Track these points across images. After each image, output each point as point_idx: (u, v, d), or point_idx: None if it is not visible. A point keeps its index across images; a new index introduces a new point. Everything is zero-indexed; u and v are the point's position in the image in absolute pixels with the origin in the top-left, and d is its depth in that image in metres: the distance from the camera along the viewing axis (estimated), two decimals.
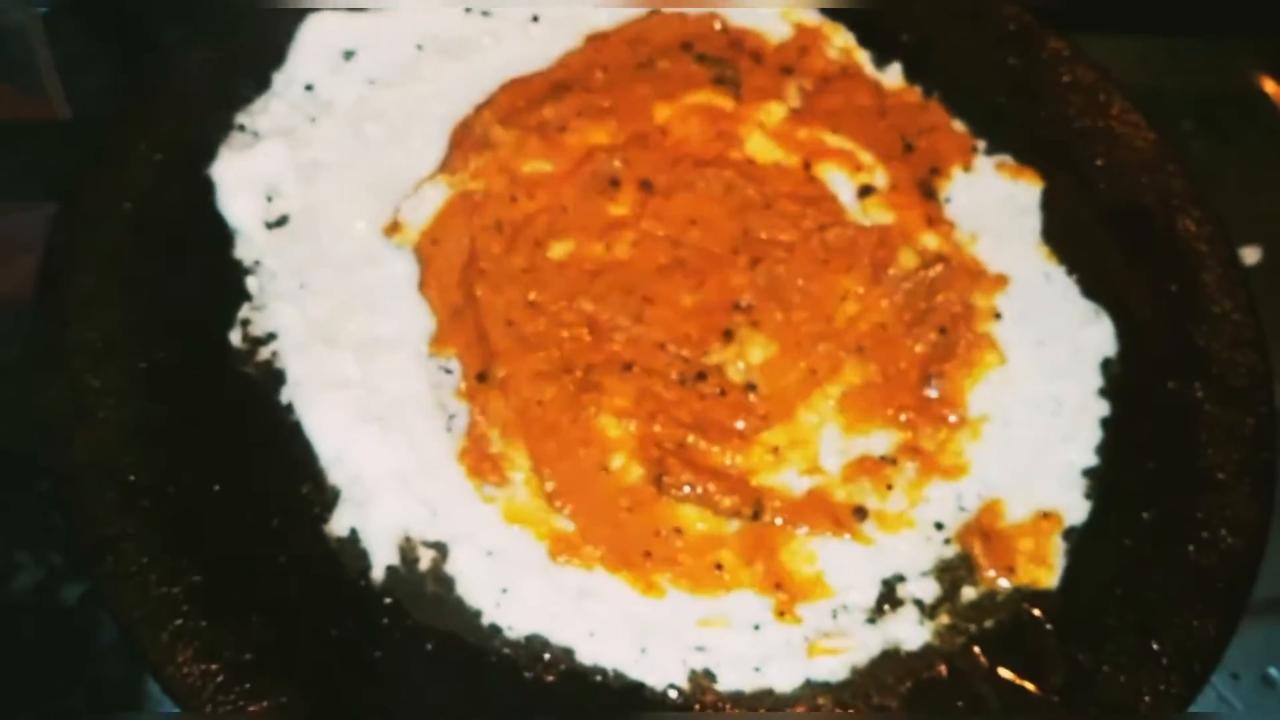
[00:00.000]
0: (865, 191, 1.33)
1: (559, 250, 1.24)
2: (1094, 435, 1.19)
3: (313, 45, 1.36)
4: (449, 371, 1.18)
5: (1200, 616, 1.08)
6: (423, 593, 1.06)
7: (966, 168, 1.37)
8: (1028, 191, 1.35)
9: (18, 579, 1.25)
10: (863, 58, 1.44)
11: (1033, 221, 1.33)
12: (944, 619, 1.09)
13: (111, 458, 1.08)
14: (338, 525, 1.08)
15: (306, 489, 1.10)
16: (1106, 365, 1.24)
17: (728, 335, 1.20)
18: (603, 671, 1.04)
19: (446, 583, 1.07)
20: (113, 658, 1.27)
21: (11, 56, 1.51)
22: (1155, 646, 1.07)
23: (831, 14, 1.45)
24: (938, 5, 1.48)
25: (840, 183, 1.33)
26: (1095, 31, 1.56)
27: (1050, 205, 1.35)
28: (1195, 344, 1.24)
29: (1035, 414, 1.20)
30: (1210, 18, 1.74)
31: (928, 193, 1.34)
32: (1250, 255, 1.49)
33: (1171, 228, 1.33)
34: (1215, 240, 1.31)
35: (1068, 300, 1.28)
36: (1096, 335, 1.25)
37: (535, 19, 1.42)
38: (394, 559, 1.07)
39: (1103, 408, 1.21)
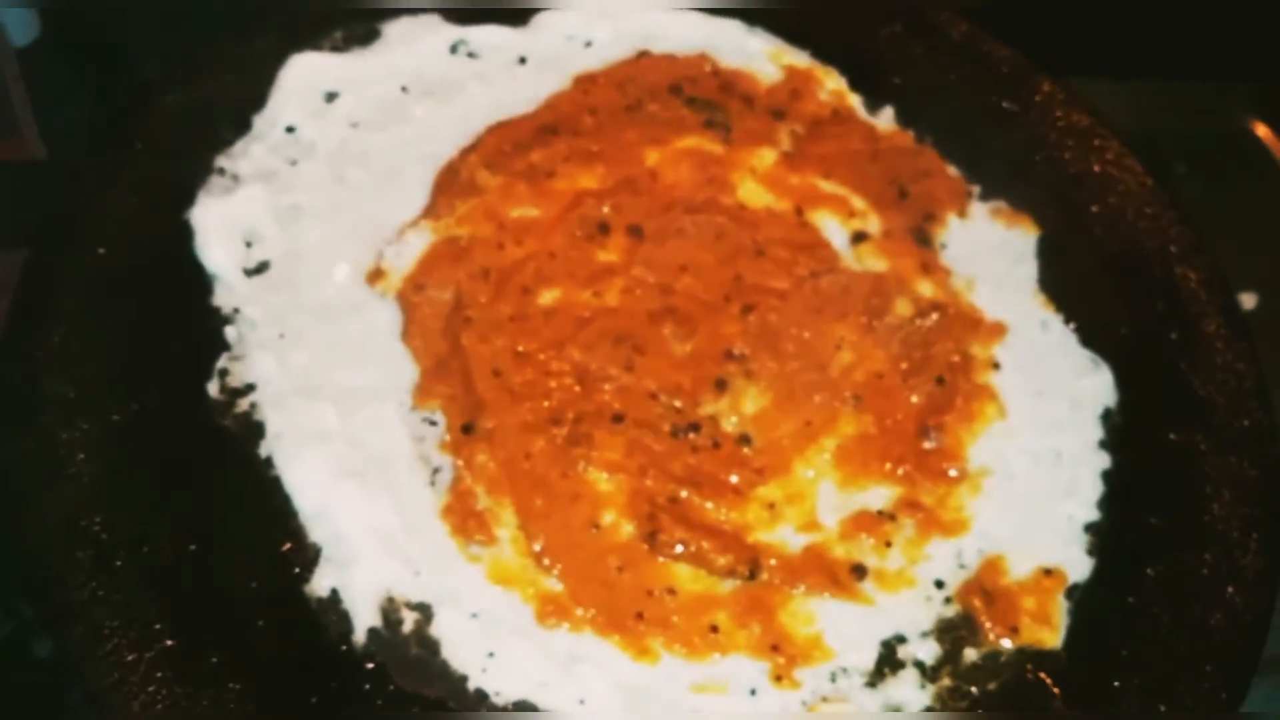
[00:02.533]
0: (859, 238, 1.30)
1: (547, 298, 1.21)
2: (1095, 489, 1.16)
3: (294, 87, 1.33)
4: (433, 424, 1.14)
5: (1209, 679, 1.05)
6: (406, 656, 1.02)
7: (961, 214, 1.35)
8: (1023, 238, 1.33)
9: None
10: (855, 101, 1.42)
11: (1029, 269, 1.31)
12: (946, 681, 1.06)
13: (82, 516, 1.04)
14: (318, 585, 1.04)
15: (286, 547, 1.06)
16: (1107, 416, 1.21)
17: (720, 385, 1.17)
18: None
19: (431, 646, 1.03)
20: (86, 716, 1.23)
21: None
22: (1163, 709, 1.04)
23: (822, 54, 1.43)
24: (930, 47, 1.46)
25: (833, 229, 1.31)
26: (1086, 75, 1.55)
27: (1046, 252, 1.33)
28: (1197, 394, 1.22)
29: (1035, 467, 1.17)
30: (1202, 62, 1.74)
31: (922, 239, 1.32)
32: (1247, 301, 1.48)
33: (1170, 275, 1.30)
34: (1214, 287, 1.29)
35: (1066, 350, 1.25)
36: (1096, 385, 1.22)
37: (523, 60, 1.40)
38: (376, 621, 1.03)
39: (1104, 460, 1.18)
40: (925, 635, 1.08)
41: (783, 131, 1.37)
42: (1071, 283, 1.30)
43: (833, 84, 1.42)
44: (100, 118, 1.40)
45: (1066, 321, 1.27)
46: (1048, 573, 1.11)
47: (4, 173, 1.40)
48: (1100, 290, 1.30)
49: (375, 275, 1.21)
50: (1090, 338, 1.26)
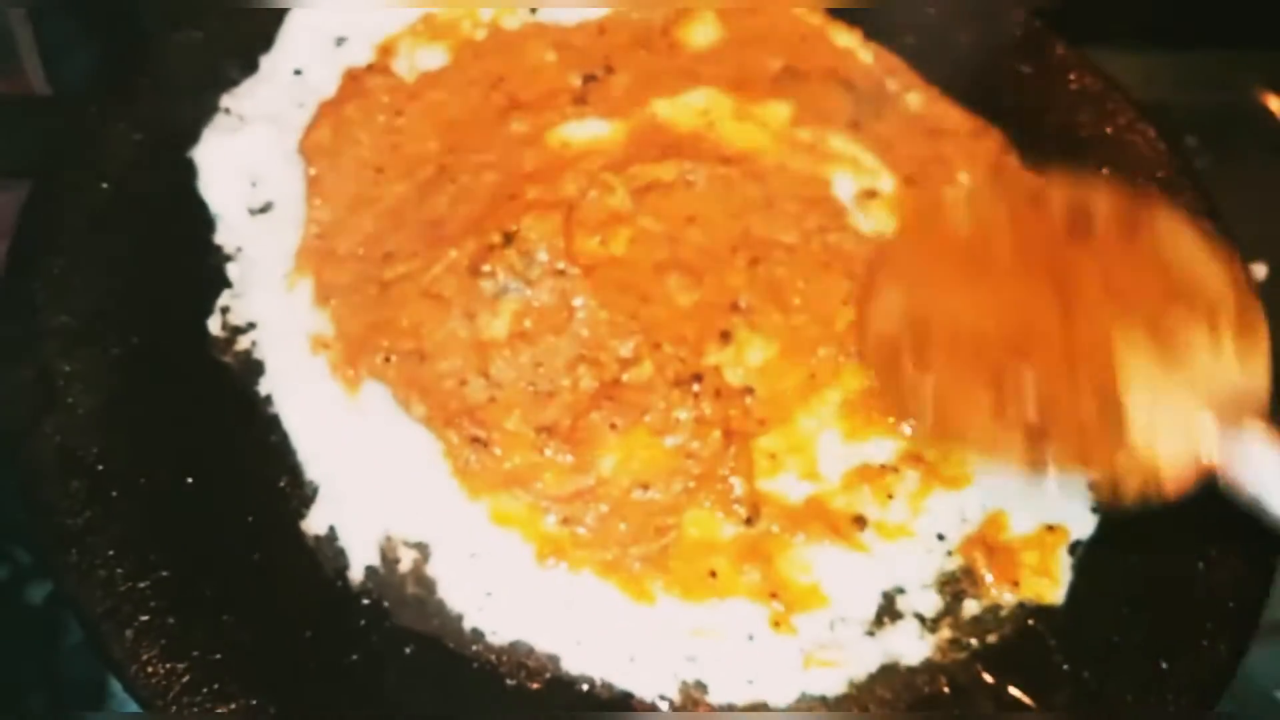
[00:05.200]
0: (869, 195, 1.29)
1: None
2: None
3: (303, 30, 1.32)
4: None
5: (1210, 637, 1.05)
6: (403, 595, 1.01)
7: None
8: None
9: None
10: (865, 59, 1.41)
11: None
12: (945, 633, 1.05)
13: (80, 446, 1.03)
14: (315, 522, 1.04)
15: (283, 484, 1.06)
16: None
17: (725, 337, 1.16)
18: (590, 680, 0.99)
19: (428, 585, 1.02)
20: (77, 661, 1.23)
21: None
22: (1164, 666, 1.03)
23: (835, 14, 1.42)
24: (942, 8, 1.45)
25: (843, 185, 1.29)
26: (1097, 44, 1.54)
27: None
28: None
29: None
30: (1214, 32, 1.73)
31: None
32: (1258, 272, 1.47)
33: None
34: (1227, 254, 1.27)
35: None
36: None
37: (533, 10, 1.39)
38: (374, 559, 1.02)
39: None
40: (926, 587, 1.07)
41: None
42: None
43: (844, 41, 1.41)
44: (106, 59, 1.38)
45: None
46: (1050, 529, 1.10)
47: (8, 106, 1.39)
48: None
49: None
50: None
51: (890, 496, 1.10)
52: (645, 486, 1.08)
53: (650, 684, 1.00)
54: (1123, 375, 0.99)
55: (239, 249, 1.18)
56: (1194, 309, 1.03)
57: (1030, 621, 1.06)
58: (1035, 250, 1.10)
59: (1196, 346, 1.01)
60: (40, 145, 1.21)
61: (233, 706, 0.93)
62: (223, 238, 1.18)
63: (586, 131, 1.27)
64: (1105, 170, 1.35)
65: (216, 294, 1.15)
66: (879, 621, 1.05)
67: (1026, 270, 1.08)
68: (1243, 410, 0.98)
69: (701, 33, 1.37)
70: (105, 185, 1.17)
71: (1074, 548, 1.10)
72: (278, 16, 1.31)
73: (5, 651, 1.25)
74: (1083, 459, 1.00)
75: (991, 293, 1.07)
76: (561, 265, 1.14)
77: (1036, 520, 1.11)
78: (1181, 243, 1.09)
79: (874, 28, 1.42)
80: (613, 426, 1.09)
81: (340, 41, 1.33)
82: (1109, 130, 1.38)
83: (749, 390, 1.14)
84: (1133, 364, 1.00)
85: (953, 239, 1.14)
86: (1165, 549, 1.09)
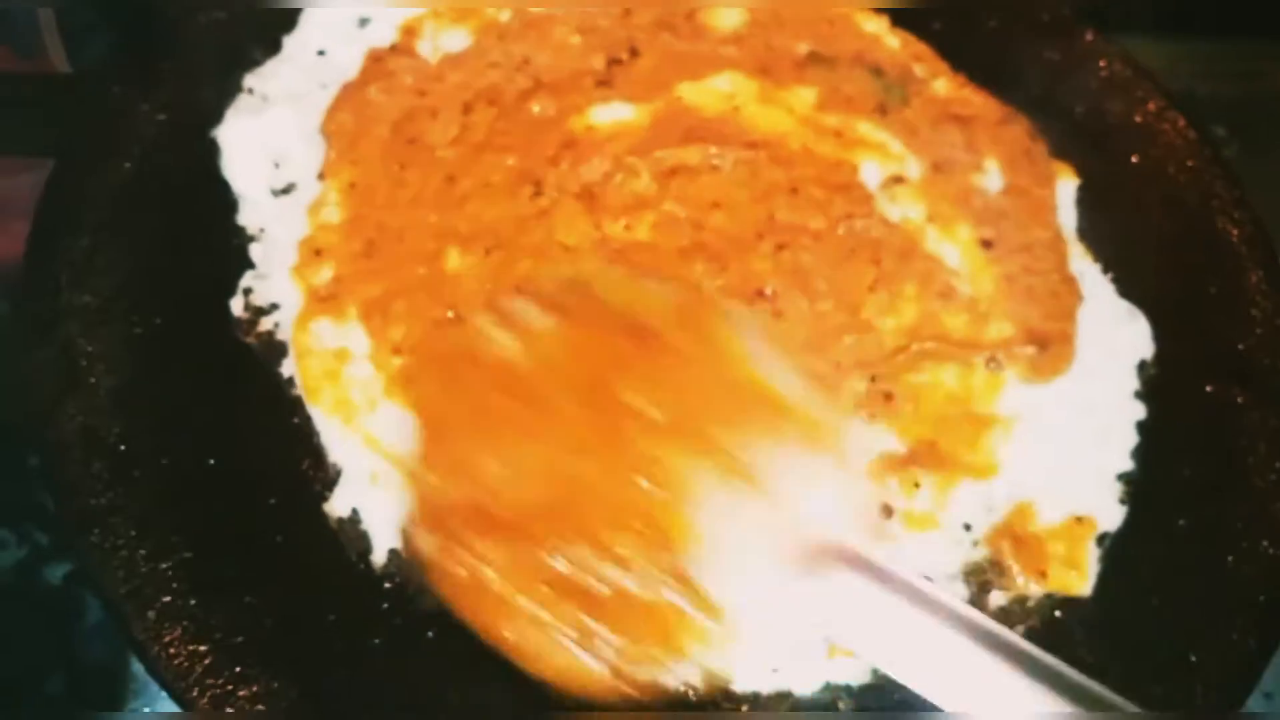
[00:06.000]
0: (895, 180, 1.28)
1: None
2: (1129, 439, 1.14)
3: (326, 10, 1.31)
4: None
5: (1239, 630, 1.03)
6: (426, 578, 1.01)
7: None
8: (1062, 187, 1.30)
9: None
10: (893, 44, 1.39)
11: (1068, 218, 1.29)
12: None
13: (102, 425, 1.02)
14: (338, 505, 1.03)
15: (306, 466, 1.05)
16: (1142, 367, 1.19)
17: None
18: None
19: None
20: (96, 642, 1.23)
21: (12, 20, 1.47)
22: (1193, 659, 1.02)
23: None
24: None
25: (870, 171, 1.28)
26: (1125, 32, 1.52)
27: (1085, 202, 1.30)
28: (1235, 348, 1.20)
29: (1068, 415, 1.15)
30: (1243, 20, 1.71)
31: None
32: None
33: (1211, 228, 1.28)
34: (1256, 242, 1.26)
35: (1103, 300, 1.23)
36: (1132, 336, 1.20)
37: None
38: (397, 542, 1.02)
39: (1139, 411, 1.16)
40: (952, 578, 1.06)
41: None
42: (1110, 233, 1.28)
43: (872, 27, 1.39)
44: (129, 40, 1.37)
45: (1104, 271, 1.25)
46: (1079, 520, 1.09)
47: (29, 86, 1.38)
48: (1139, 241, 1.28)
49: None
50: (1128, 288, 1.24)
51: (917, 485, 1.09)
52: None
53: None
54: (684, 523, 0.86)
55: (262, 230, 1.17)
56: (779, 424, 0.92)
57: (1057, 613, 1.06)
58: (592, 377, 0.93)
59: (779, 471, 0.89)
60: (63, 125, 1.20)
61: (255, 689, 0.93)
62: (246, 218, 1.17)
63: (611, 115, 1.26)
64: (1134, 158, 1.33)
65: (239, 275, 1.14)
66: None
67: (582, 408, 0.92)
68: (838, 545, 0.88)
69: (727, 16, 1.36)
70: (128, 165, 1.16)
71: (1102, 539, 1.09)
72: None
73: (25, 632, 1.24)
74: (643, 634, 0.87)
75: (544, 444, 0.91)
76: None
77: (1064, 511, 1.10)
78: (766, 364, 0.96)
79: (901, 13, 1.40)
80: None
81: (364, 22, 1.32)
82: (1138, 118, 1.36)
83: None
84: (700, 505, 0.86)
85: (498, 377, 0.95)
86: (1194, 542, 1.08)
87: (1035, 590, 1.06)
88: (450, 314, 1.11)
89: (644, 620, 0.87)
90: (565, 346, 0.94)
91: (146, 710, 1.18)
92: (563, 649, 0.87)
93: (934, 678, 0.85)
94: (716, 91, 1.30)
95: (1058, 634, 1.04)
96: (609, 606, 0.86)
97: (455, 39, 1.31)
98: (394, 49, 1.29)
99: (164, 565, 0.97)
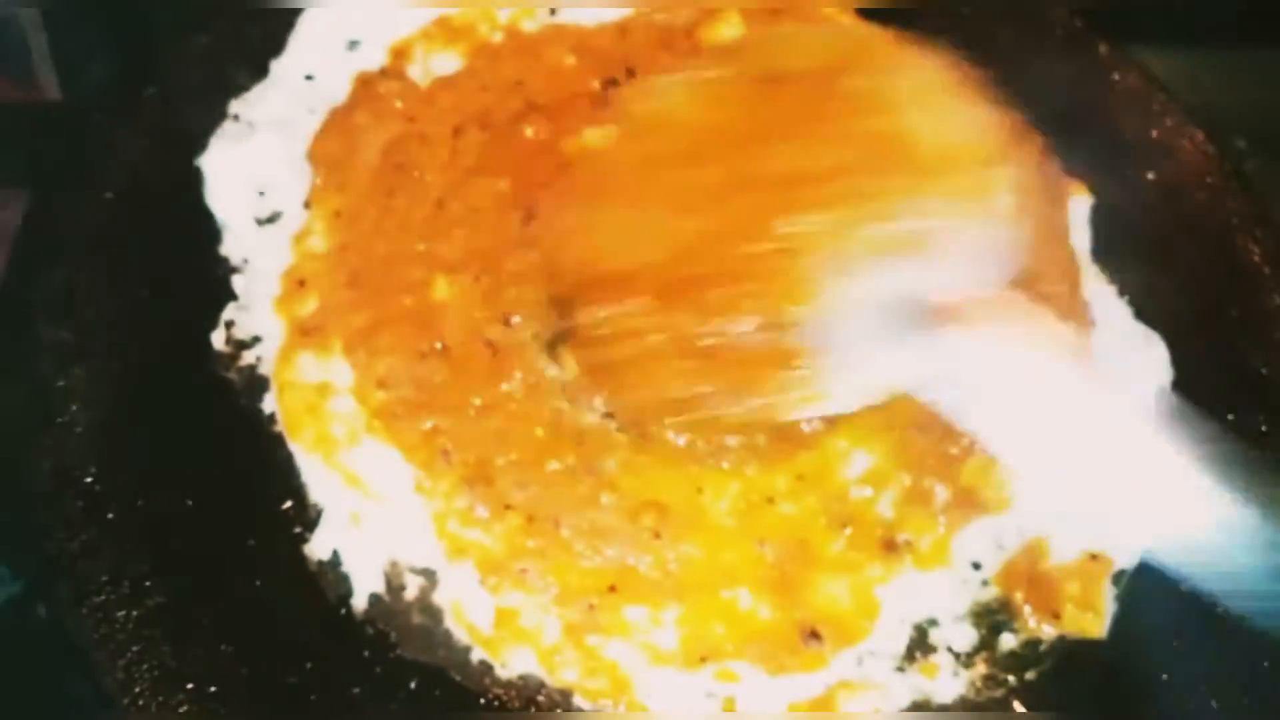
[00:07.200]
0: None
1: None
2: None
3: (314, 34, 1.28)
4: None
5: (1267, 675, 0.98)
6: (408, 624, 0.97)
7: None
8: (1076, 206, 1.25)
9: None
10: None
11: (1081, 238, 1.24)
12: (981, 669, 1.00)
13: (76, 465, 0.99)
14: (319, 547, 0.99)
15: (286, 506, 1.01)
16: (1161, 394, 1.14)
17: None
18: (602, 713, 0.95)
19: (434, 614, 0.98)
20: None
21: (4, 47, 1.45)
22: (1214, 705, 0.97)
23: (871, 15, 1.36)
24: (981, 6, 1.39)
25: None
26: (1141, 44, 1.47)
27: (1099, 222, 1.25)
28: (1258, 373, 1.15)
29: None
30: (1262, 30, 1.65)
31: None
32: None
33: (1231, 248, 1.23)
34: (1279, 262, 1.21)
35: (1119, 324, 1.18)
36: (1150, 362, 1.15)
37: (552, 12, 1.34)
38: (378, 586, 0.98)
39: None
40: (960, 619, 1.02)
41: None
42: (1126, 253, 1.23)
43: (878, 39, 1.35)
44: (118, 64, 1.34)
45: (1120, 294, 1.20)
46: (1094, 557, 1.04)
47: (16, 113, 1.36)
48: (1156, 262, 1.23)
49: None
50: (1144, 311, 1.19)
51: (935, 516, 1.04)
52: None
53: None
54: (805, 281, 0.88)
55: (245, 260, 1.14)
56: (924, 180, 0.91)
57: (1071, 657, 1.01)
58: (729, 141, 0.97)
59: (907, 230, 0.89)
60: (42, 154, 1.17)
61: None
62: (229, 249, 1.14)
63: (605, 137, 1.22)
64: (1151, 175, 1.29)
65: (221, 307, 1.10)
66: (910, 656, 1.00)
67: (718, 169, 0.96)
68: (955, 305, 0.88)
69: (726, 34, 1.32)
70: (109, 194, 1.13)
71: (1118, 578, 1.04)
72: (289, 21, 1.27)
73: (9, 672, 1.21)
74: (747, 385, 0.90)
75: (677, 206, 0.96)
76: None
77: (1079, 548, 1.05)
78: (924, 107, 0.96)
79: (908, 28, 1.36)
80: None
81: (353, 45, 1.28)
82: (1154, 134, 1.31)
83: None
84: (821, 264, 0.88)
85: (642, 144, 1.02)
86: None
87: (1048, 632, 1.01)
88: (438, 345, 1.07)
89: (756, 368, 0.90)
90: (713, 100, 0.99)
91: None
92: (687, 398, 0.92)
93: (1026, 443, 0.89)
94: None
95: (1072, 678, 1.00)
96: (726, 356, 0.90)
97: (446, 62, 1.27)
98: (383, 72, 1.25)
99: (135, 612, 0.93)
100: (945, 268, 0.89)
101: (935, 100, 0.97)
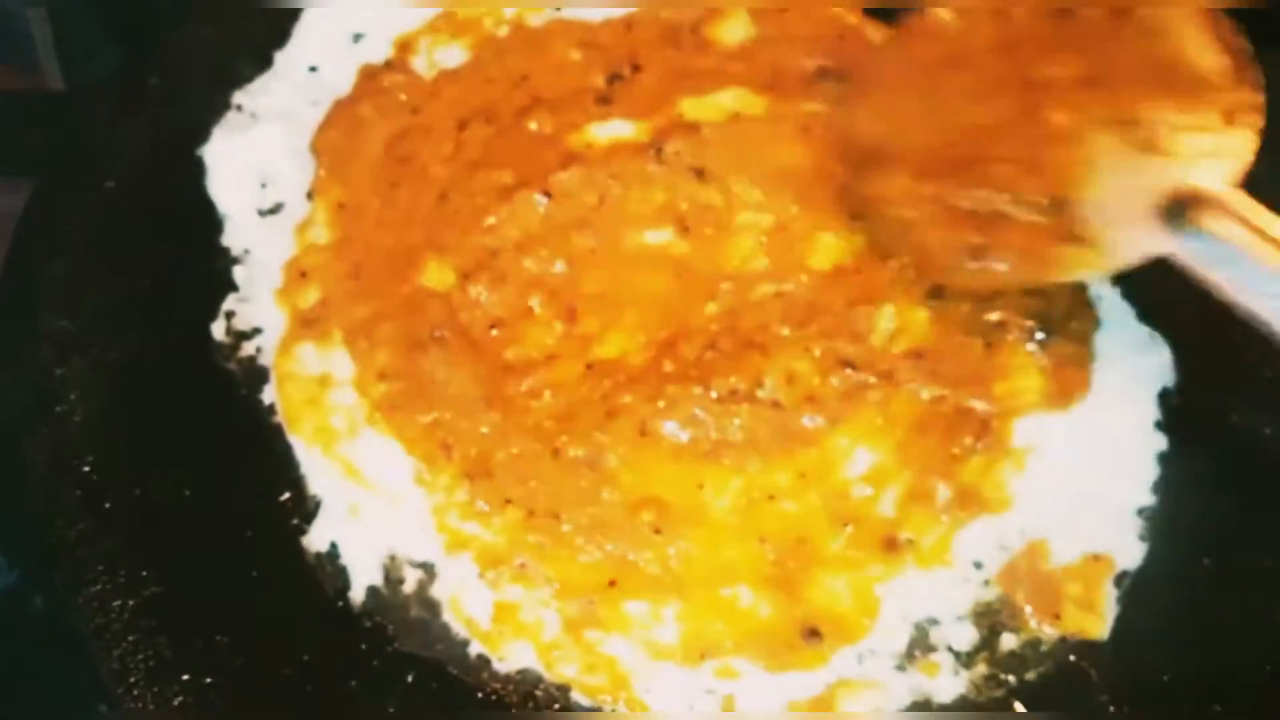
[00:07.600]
0: None
1: None
2: (1150, 472, 1.08)
3: (319, 25, 1.28)
4: None
5: (1269, 679, 0.97)
6: (406, 617, 0.97)
7: None
8: None
9: None
10: None
11: None
12: (981, 669, 0.99)
13: (74, 454, 0.99)
14: (317, 539, 0.99)
15: (285, 497, 1.01)
16: (1164, 396, 1.13)
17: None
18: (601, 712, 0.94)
19: (432, 607, 0.98)
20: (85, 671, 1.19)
21: (9, 37, 1.44)
22: (1217, 709, 0.96)
23: (873, 13, 1.36)
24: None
25: None
26: None
27: None
28: (1262, 375, 1.14)
29: (1085, 447, 1.09)
30: (1265, 30, 1.64)
31: None
32: None
33: None
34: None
35: (1122, 325, 1.17)
36: (1153, 363, 1.14)
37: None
38: (376, 579, 0.98)
39: (1160, 442, 1.10)
40: (961, 619, 1.01)
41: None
42: None
43: (881, 39, 1.35)
44: (121, 55, 1.34)
45: (1124, 295, 1.19)
46: (1095, 558, 1.03)
47: (20, 102, 1.35)
48: (1160, 262, 1.22)
49: None
50: (1148, 313, 1.18)
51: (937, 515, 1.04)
52: None
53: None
54: (1079, 167, 1.00)
55: (246, 251, 1.14)
56: (1178, 94, 1.01)
57: (1072, 657, 1.00)
58: (1014, 48, 1.09)
59: (1172, 132, 1.00)
60: (45, 144, 1.17)
61: None
62: (230, 239, 1.14)
63: (610, 132, 1.22)
64: None
65: (222, 298, 1.10)
66: (910, 655, 0.99)
67: (1001, 71, 1.08)
68: (1214, 195, 0.99)
69: (733, 30, 1.31)
70: (111, 184, 1.14)
71: (1120, 578, 1.03)
72: (294, 12, 1.27)
73: (13, 657, 1.21)
74: (1029, 256, 1.02)
75: (960, 99, 1.09)
76: None
77: (1080, 549, 1.04)
78: (1177, 28, 1.05)
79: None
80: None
81: (357, 38, 1.28)
82: None
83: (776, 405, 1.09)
84: (1094, 154, 1.00)
85: (932, 46, 1.15)
86: (1219, 582, 1.02)
87: (1049, 633, 1.00)
88: (437, 334, 1.07)
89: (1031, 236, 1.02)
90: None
91: None
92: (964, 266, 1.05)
93: None
94: (720, 107, 1.26)
95: (1073, 680, 0.99)
96: (998, 226, 1.03)
97: (452, 54, 1.27)
98: (388, 65, 1.25)
99: (133, 602, 0.93)
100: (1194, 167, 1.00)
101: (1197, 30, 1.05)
